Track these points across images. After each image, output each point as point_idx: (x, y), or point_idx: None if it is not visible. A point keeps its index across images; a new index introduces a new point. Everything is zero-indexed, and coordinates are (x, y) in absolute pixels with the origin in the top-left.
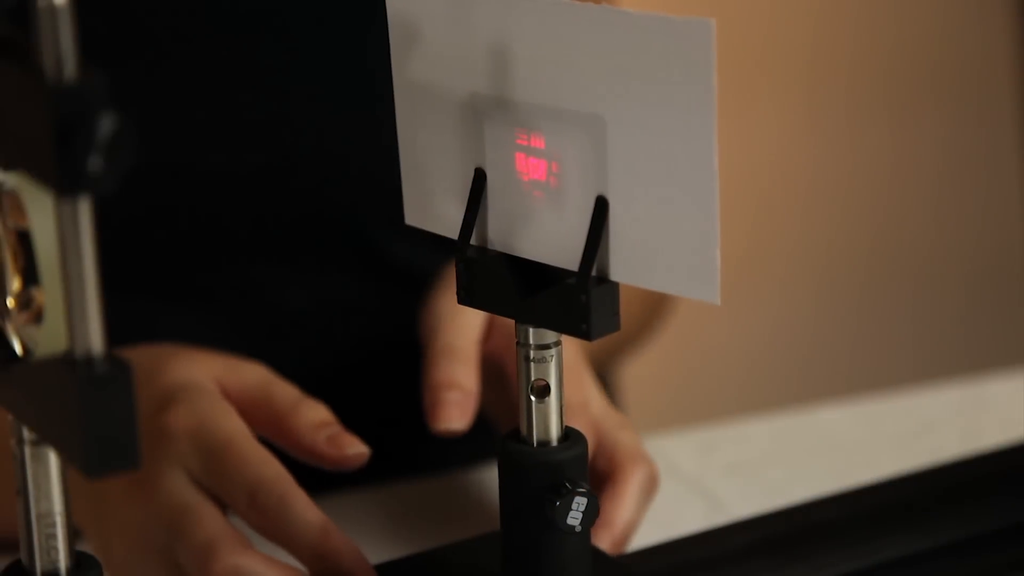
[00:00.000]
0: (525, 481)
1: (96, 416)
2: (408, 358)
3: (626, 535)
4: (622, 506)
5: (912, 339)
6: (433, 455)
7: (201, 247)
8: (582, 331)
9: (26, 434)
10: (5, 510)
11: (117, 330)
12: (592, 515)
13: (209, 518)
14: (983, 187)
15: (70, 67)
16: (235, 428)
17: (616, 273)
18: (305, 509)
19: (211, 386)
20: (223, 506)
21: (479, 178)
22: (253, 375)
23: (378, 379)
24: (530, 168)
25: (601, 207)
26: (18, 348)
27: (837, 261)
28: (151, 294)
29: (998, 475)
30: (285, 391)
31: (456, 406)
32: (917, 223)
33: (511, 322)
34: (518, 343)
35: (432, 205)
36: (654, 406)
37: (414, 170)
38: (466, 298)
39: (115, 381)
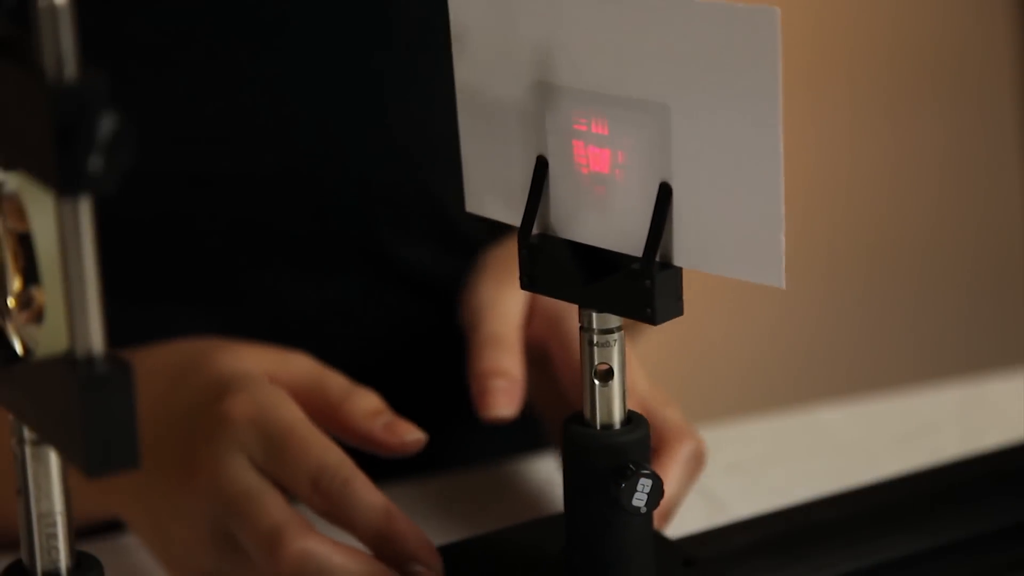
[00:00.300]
0: (589, 464)
1: (96, 416)
2: (419, 359)
3: (669, 510)
4: (665, 481)
5: (912, 339)
6: (451, 451)
7: (213, 252)
8: (647, 315)
9: (27, 434)
10: (6, 511)
11: (133, 334)
12: (657, 497)
13: (274, 503)
14: (984, 187)
15: (70, 67)
16: (295, 415)
17: (680, 258)
18: (368, 493)
19: (264, 376)
20: (284, 492)
21: (541, 166)
22: (302, 365)
23: (389, 380)
24: (592, 156)
25: (665, 194)
26: (19, 348)
27: (837, 261)
28: (163, 299)
29: (998, 475)
30: (336, 380)
31: (503, 393)
32: (917, 223)
33: (552, 306)
34: (581, 328)
35: (493, 193)
36: None
37: (475, 158)
38: (529, 284)
39: (115, 381)
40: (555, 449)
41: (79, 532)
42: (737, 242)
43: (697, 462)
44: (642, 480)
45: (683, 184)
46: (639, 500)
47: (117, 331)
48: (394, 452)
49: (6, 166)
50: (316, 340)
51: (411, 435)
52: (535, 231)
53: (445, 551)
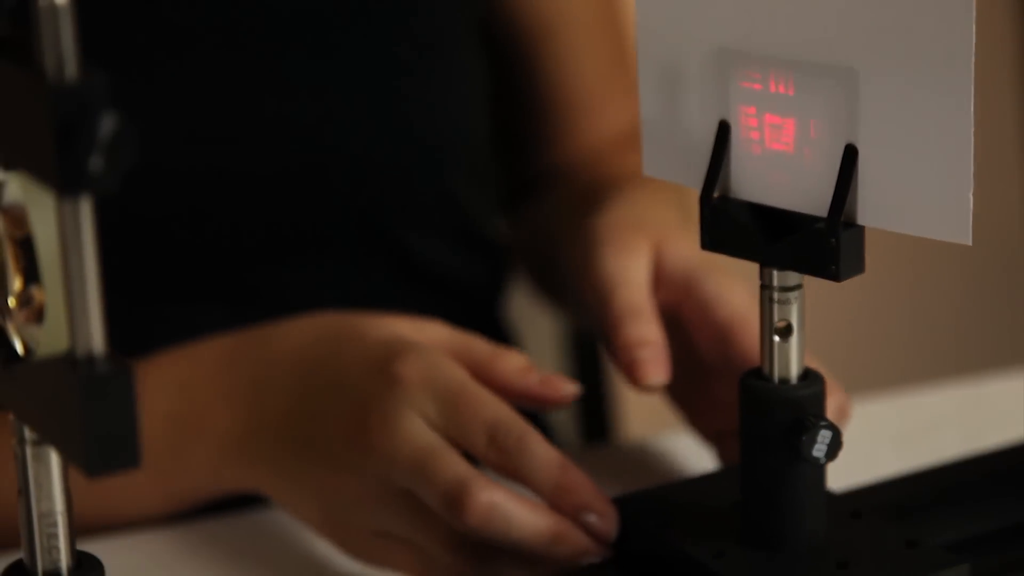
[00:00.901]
0: (768, 416)
1: (96, 416)
2: None
3: None
4: None
5: (912, 339)
6: None
7: (229, 250)
8: (831, 272)
9: (27, 434)
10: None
11: (147, 333)
12: (835, 448)
13: (454, 459)
14: (983, 187)
15: (71, 67)
16: (463, 375)
17: (864, 217)
18: (543, 446)
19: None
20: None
21: (723, 130)
22: (441, 330)
23: None
24: (776, 121)
25: (851, 155)
26: (19, 347)
27: None
28: (179, 298)
29: (998, 475)
30: (477, 342)
31: (652, 363)
32: None
33: (680, 271)
34: (763, 285)
35: (672, 157)
36: (655, 405)
37: (655, 122)
38: (711, 245)
39: (115, 381)
40: (684, 419)
41: (194, 511)
42: (923, 201)
43: (842, 416)
44: (823, 432)
45: (869, 146)
46: (819, 451)
47: (134, 332)
48: (552, 406)
49: (6, 166)
50: None
51: (568, 388)
52: (715, 194)
53: (619, 503)
